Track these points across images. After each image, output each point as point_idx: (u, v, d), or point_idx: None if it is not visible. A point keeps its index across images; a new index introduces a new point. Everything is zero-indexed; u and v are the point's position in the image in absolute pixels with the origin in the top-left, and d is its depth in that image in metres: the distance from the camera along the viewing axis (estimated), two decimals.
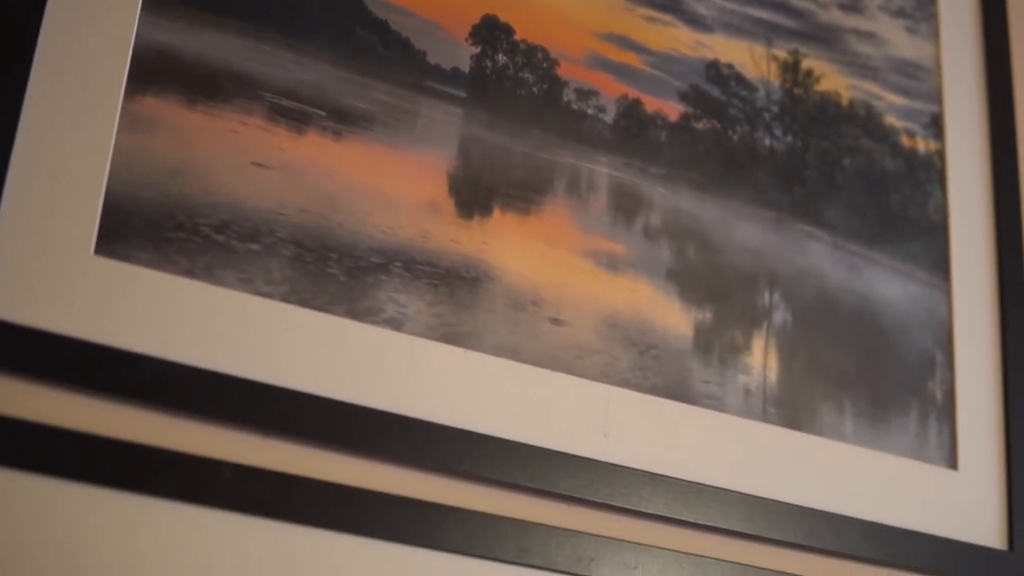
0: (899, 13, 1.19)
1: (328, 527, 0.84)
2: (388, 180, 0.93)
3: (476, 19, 0.99)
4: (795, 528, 1.00)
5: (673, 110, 1.05)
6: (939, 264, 1.14)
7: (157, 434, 0.82)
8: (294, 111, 0.91)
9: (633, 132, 1.03)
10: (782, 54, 1.12)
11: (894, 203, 1.14)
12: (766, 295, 1.05)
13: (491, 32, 0.99)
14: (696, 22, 1.08)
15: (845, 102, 1.14)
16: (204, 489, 0.82)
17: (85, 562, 0.78)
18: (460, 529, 0.88)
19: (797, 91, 1.12)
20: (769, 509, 0.99)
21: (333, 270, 0.89)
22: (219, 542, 0.81)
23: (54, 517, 0.78)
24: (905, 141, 1.16)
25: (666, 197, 1.03)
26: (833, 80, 1.14)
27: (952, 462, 1.10)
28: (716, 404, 1.00)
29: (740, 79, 1.09)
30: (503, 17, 1.00)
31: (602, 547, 0.92)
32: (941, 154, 1.18)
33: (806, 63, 1.13)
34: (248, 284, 0.86)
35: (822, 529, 1.01)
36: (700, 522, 0.96)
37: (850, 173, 1.12)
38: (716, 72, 1.08)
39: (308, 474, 0.85)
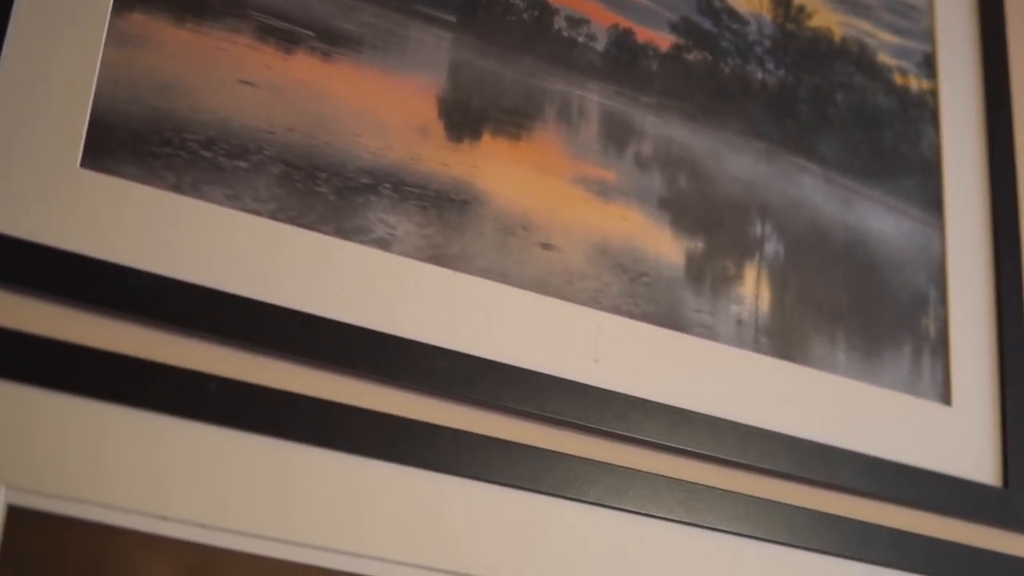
0: None
1: (314, 443, 0.84)
2: (377, 102, 0.92)
3: None
4: (786, 458, 0.99)
5: (664, 41, 1.04)
6: (932, 201, 1.13)
7: (142, 346, 0.81)
8: (283, 31, 0.90)
9: (624, 61, 1.02)
10: None
11: (887, 140, 1.13)
12: (758, 226, 1.04)
13: None
14: None
15: (837, 39, 1.13)
16: (190, 402, 0.81)
17: (66, 471, 0.77)
18: (447, 448, 0.87)
19: (789, 26, 1.11)
20: (761, 438, 0.98)
21: (322, 189, 0.88)
22: (203, 455, 0.80)
23: (36, 426, 0.77)
24: (898, 79, 1.16)
25: (657, 126, 1.02)
26: (825, 16, 1.13)
27: (946, 398, 1.09)
28: (707, 333, 0.99)
29: (732, 12, 1.08)
30: None
31: (592, 471, 0.91)
32: (934, 93, 1.17)
33: None
34: (235, 201, 0.85)
35: (814, 460, 1.00)
36: (691, 449, 0.95)
37: (842, 108, 1.12)
38: (707, 5, 1.07)
39: (295, 390, 0.84)
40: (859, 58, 1.14)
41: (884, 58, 1.15)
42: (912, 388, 1.07)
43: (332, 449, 0.84)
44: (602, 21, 1.02)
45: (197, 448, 0.80)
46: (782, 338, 1.03)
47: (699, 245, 1.01)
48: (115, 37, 0.85)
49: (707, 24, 1.07)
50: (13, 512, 0.76)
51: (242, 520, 0.81)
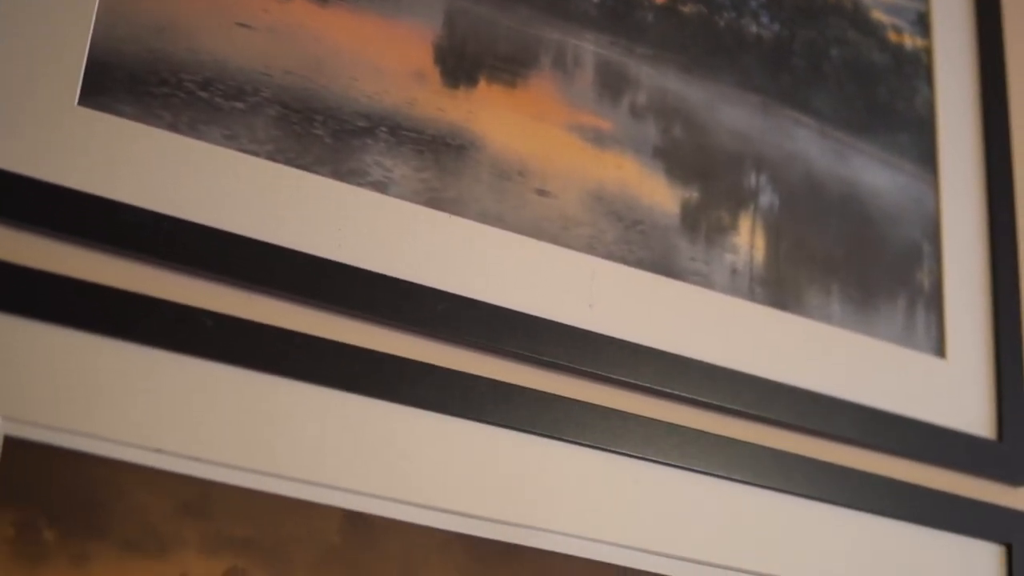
0: None
1: (309, 380, 0.83)
2: (374, 47, 0.92)
3: None
4: (781, 406, 0.98)
5: None
6: (926, 157, 1.13)
7: (138, 281, 0.81)
8: None
9: (619, 12, 1.02)
10: None
11: (881, 95, 1.13)
12: (753, 177, 1.04)
13: None
14: None
15: None
16: (186, 337, 0.81)
17: (62, 403, 0.77)
18: (441, 387, 0.87)
19: None
20: (755, 386, 0.98)
21: (318, 131, 0.88)
22: (198, 390, 0.80)
23: (33, 359, 0.77)
24: (892, 36, 1.15)
25: (652, 77, 1.02)
26: None
27: (940, 351, 1.08)
28: (702, 281, 0.99)
29: None
30: None
31: (587, 413, 0.91)
32: (928, 51, 1.17)
33: None
34: (232, 141, 0.85)
35: (808, 409, 1.00)
36: (686, 395, 0.95)
37: (837, 64, 1.11)
38: None
39: (290, 327, 0.84)
40: (853, 15, 1.14)
41: (878, 15, 1.15)
42: (907, 341, 1.07)
43: (326, 386, 0.84)
44: None
45: (192, 383, 0.80)
46: (777, 288, 1.02)
47: (694, 195, 1.01)
48: None
49: None
50: (9, 443, 0.75)
51: (236, 454, 0.80)
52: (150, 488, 0.78)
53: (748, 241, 1.02)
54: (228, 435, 0.80)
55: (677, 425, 0.94)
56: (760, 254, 1.02)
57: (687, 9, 1.05)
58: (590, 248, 0.95)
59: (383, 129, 0.90)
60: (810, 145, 1.07)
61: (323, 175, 0.87)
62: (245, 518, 0.80)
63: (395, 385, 0.85)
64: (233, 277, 0.83)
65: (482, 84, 0.95)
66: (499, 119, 0.94)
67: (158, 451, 0.78)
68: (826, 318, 1.04)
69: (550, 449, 0.89)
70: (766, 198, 1.04)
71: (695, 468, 0.94)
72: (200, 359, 0.81)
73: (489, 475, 0.87)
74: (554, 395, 0.90)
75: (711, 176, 1.02)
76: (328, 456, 0.83)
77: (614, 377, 0.93)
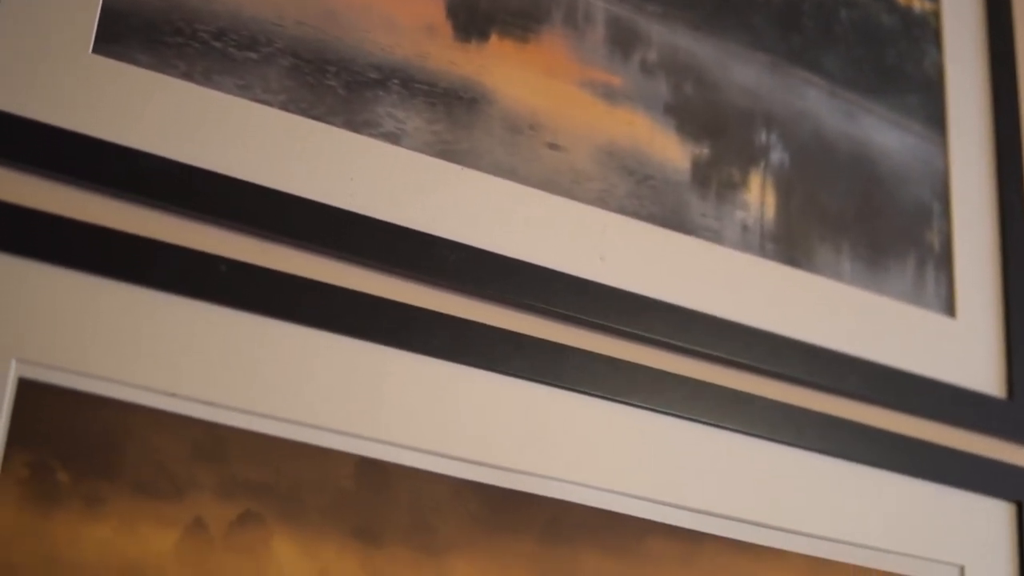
0: None
1: (321, 327, 0.83)
2: (386, 1, 0.91)
3: None
4: (792, 361, 0.98)
5: None
6: (935, 119, 1.12)
7: (154, 228, 0.80)
8: None
9: None
10: None
11: (890, 57, 1.12)
12: (763, 134, 1.03)
13: None
14: None
15: None
16: (200, 282, 0.80)
17: (77, 347, 0.76)
18: (453, 336, 0.86)
19: None
20: (766, 341, 0.97)
21: (331, 82, 0.87)
22: (212, 335, 0.80)
23: (48, 303, 0.76)
24: (900, 0, 1.15)
25: (663, 34, 1.01)
26: None
27: (950, 310, 1.08)
28: (713, 236, 0.98)
29: None
30: None
31: (598, 364, 0.90)
32: (936, 14, 1.16)
33: None
34: (246, 91, 0.84)
35: (819, 365, 0.99)
36: (696, 348, 0.94)
37: (846, 25, 1.10)
38: None
39: (303, 274, 0.83)
40: None
41: None
42: (917, 299, 1.06)
43: (339, 333, 0.83)
44: None
45: (206, 328, 0.80)
46: (787, 245, 1.01)
47: (704, 151, 1.00)
48: None
49: None
50: (24, 385, 0.75)
51: (250, 399, 0.80)
52: (164, 431, 0.78)
53: (759, 198, 1.02)
54: (241, 380, 0.80)
55: (687, 377, 0.93)
56: (771, 211, 1.02)
57: None
58: (601, 202, 0.94)
59: (395, 81, 0.89)
60: (820, 105, 1.07)
61: (336, 125, 0.86)
62: (259, 463, 0.80)
63: (407, 333, 0.85)
64: (246, 225, 0.82)
65: (494, 39, 0.94)
66: (510, 74, 0.94)
67: (172, 395, 0.78)
68: (836, 275, 1.03)
69: (561, 399, 0.89)
70: (776, 156, 1.03)
71: (704, 420, 0.93)
72: (214, 304, 0.80)
73: (501, 424, 0.86)
74: (565, 345, 0.89)
75: (721, 133, 1.01)
76: (341, 403, 0.82)
77: (625, 329, 0.92)
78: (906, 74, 1.12)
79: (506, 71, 0.94)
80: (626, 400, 0.90)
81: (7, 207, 0.76)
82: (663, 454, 0.91)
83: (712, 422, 0.93)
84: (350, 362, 0.83)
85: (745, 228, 1.00)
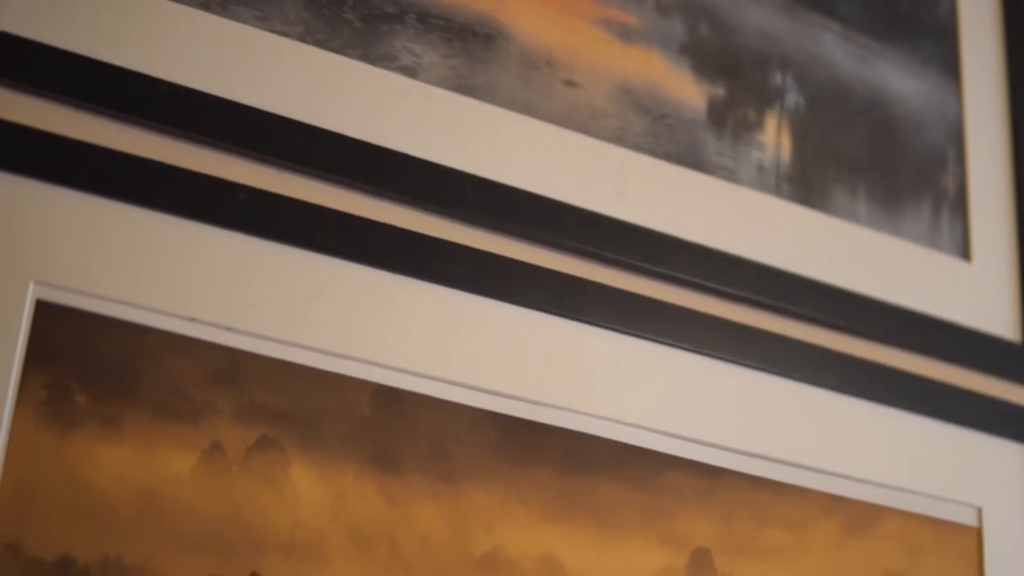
0: None
1: (339, 255, 0.82)
2: None
3: None
4: (810, 301, 0.97)
5: None
6: (949, 65, 1.11)
7: (173, 154, 0.79)
8: None
9: None
10: None
11: (904, 3, 1.11)
12: (778, 77, 1.02)
13: None
14: None
15: None
16: (219, 209, 0.79)
17: (95, 270, 0.75)
18: (471, 267, 0.85)
19: None
20: (784, 280, 0.96)
21: (348, 15, 0.86)
22: (231, 261, 0.78)
23: (67, 226, 0.75)
24: None
25: None
26: None
27: (965, 253, 1.06)
28: (729, 176, 0.97)
29: None
30: None
31: (618, 298, 0.89)
32: None
33: None
34: (264, 22, 0.83)
35: (837, 305, 0.98)
36: (715, 286, 0.93)
37: None
38: None
39: (321, 203, 0.82)
40: None
41: None
42: (932, 243, 1.05)
43: (357, 262, 0.82)
44: None
45: (225, 254, 0.78)
46: (803, 186, 1.00)
47: (720, 92, 0.99)
48: None
49: None
50: (42, 307, 0.74)
51: (267, 325, 0.79)
52: (183, 356, 0.77)
53: (774, 139, 1.00)
54: (260, 306, 0.79)
55: (706, 314, 0.92)
56: (786, 152, 1.00)
57: None
58: (618, 139, 0.93)
59: (411, 15, 0.88)
60: (835, 49, 1.05)
61: (353, 58, 0.85)
62: (277, 389, 0.78)
63: (426, 263, 0.84)
64: (265, 154, 0.81)
65: None
66: (526, 10, 0.93)
67: (191, 320, 0.77)
68: (852, 217, 1.02)
69: (580, 332, 0.88)
70: (792, 98, 1.02)
71: (723, 356, 0.92)
72: (233, 231, 0.79)
73: (519, 355, 0.85)
74: (584, 279, 0.88)
75: (737, 74, 1.00)
76: (359, 331, 0.81)
77: (642, 265, 0.91)
78: (920, 20, 1.11)
79: (522, 8, 0.92)
80: (645, 335, 0.89)
81: (29, 132, 0.75)
82: (682, 389, 0.90)
83: (730, 358, 0.92)
84: (367, 290, 0.82)
85: (761, 168, 0.99)
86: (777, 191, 0.99)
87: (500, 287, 0.85)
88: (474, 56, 0.90)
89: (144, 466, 0.74)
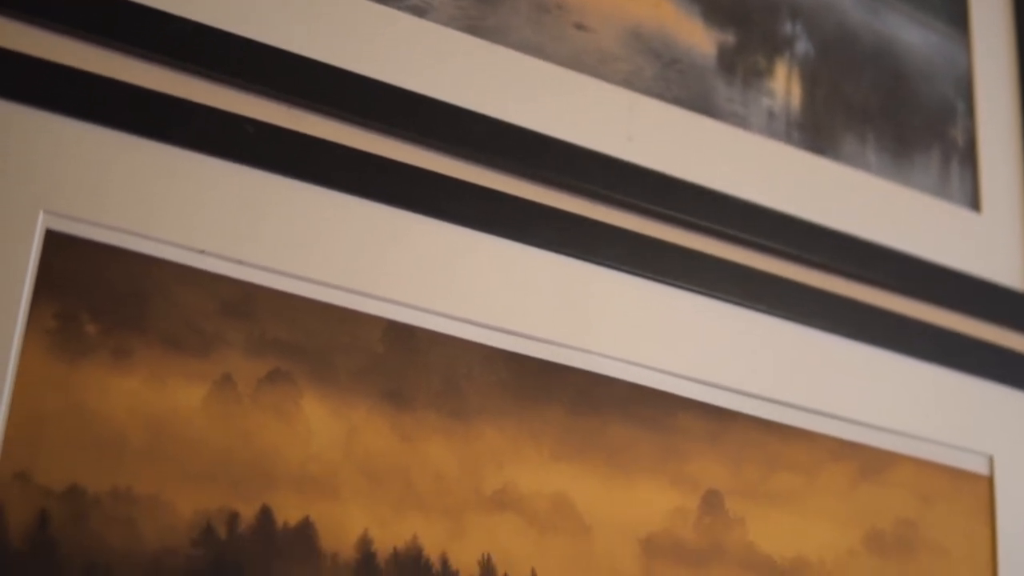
0: None
1: (348, 191, 0.80)
2: None
3: None
4: (820, 248, 0.96)
5: None
6: (958, 18, 1.10)
7: (182, 88, 0.77)
8: None
9: None
10: None
11: None
12: (788, 24, 1.01)
13: None
14: None
15: None
16: (227, 142, 0.77)
17: (105, 201, 0.74)
18: (478, 205, 0.84)
19: None
20: (792, 226, 0.95)
21: None
22: (240, 194, 0.77)
23: (77, 157, 0.73)
24: None
25: None
26: None
27: (975, 204, 1.05)
28: (739, 122, 0.96)
29: None
30: None
31: (626, 239, 0.88)
32: None
33: None
34: None
35: (848, 252, 0.97)
36: (725, 230, 0.92)
37: None
38: None
39: (330, 138, 0.80)
40: None
41: None
42: (942, 193, 1.04)
43: (368, 199, 0.80)
44: None
45: (233, 187, 0.77)
46: (814, 133, 0.99)
47: (730, 38, 0.98)
48: None
49: None
50: (51, 237, 0.72)
51: (277, 259, 0.77)
52: (193, 288, 0.75)
53: (784, 86, 0.99)
54: (269, 240, 0.77)
55: (717, 257, 0.91)
56: (796, 100, 0.99)
57: None
58: (628, 83, 0.92)
59: None
60: None
61: None
62: (289, 323, 0.77)
63: (438, 201, 0.82)
64: (273, 89, 0.79)
65: None
66: None
67: (200, 251, 0.75)
68: (862, 166, 1.01)
69: (591, 273, 0.86)
70: (801, 45, 1.01)
71: (734, 300, 0.91)
72: (241, 165, 0.78)
73: (530, 294, 0.84)
74: (595, 220, 0.87)
75: (747, 21, 0.99)
76: (370, 267, 0.79)
77: (652, 208, 0.89)
78: None
79: None
80: (656, 276, 0.88)
81: (40, 63, 0.74)
82: (692, 331, 0.89)
83: (742, 302, 0.91)
84: (378, 227, 0.80)
85: (771, 115, 0.97)
86: (787, 138, 0.97)
87: (511, 226, 0.84)
88: None
89: (154, 397, 0.72)
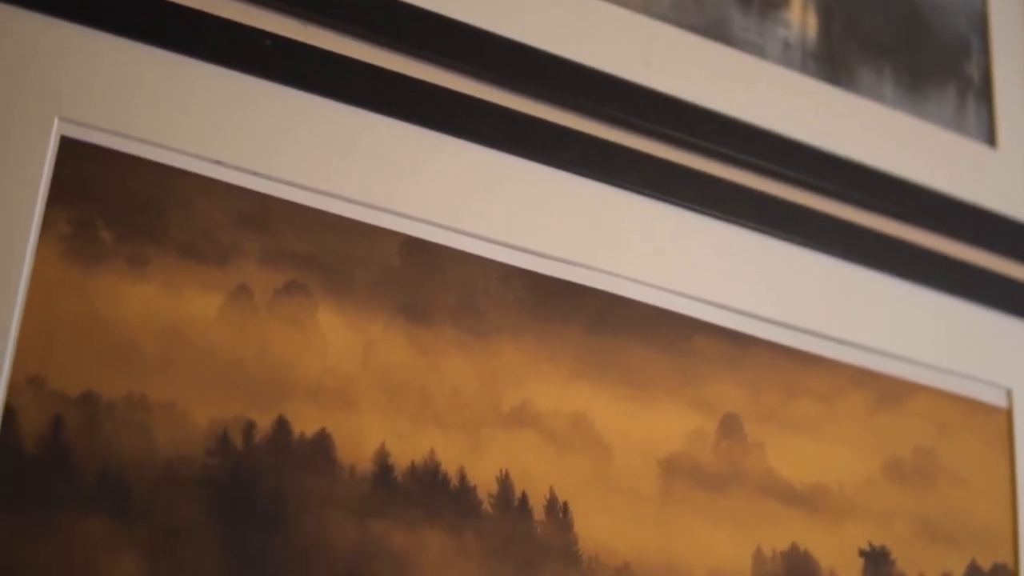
0: None
1: (366, 107, 0.78)
2: None
3: None
4: (836, 177, 0.93)
5: None
6: None
7: (200, 0, 0.75)
8: None
9: None
10: None
11: None
12: None
13: None
14: None
15: None
16: (245, 55, 0.75)
17: (121, 110, 0.71)
18: (502, 126, 0.82)
19: None
20: (811, 156, 0.92)
21: None
22: (257, 108, 0.75)
23: (93, 66, 0.71)
24: None
25: None
26: None
27: (991, 140, 1.03)
28: (755, 51, 0.93)
29: None
30: None
31: (645, 163, 0.86)
32: None
33: None
34: None
35: (863, 183, 0.94)
36: (742, 157, 0.89)
37: None
38: None
39: (347, 54, 0.78)
40: None
41: None
42: (958, 128, 1.02)
43: (387, 115, 0.78)
44: None
45: (251, 100, 0.75)
46: (829, 64, 0.97)
47: None
48: None
49: None
50: (66, 144, 0.70)
51: (294, 172, 0.75)
52: (209, 198, 0.73)
53: (800, 17, 0.97)
54: (287, 153, 0.75)
55: (734, 183, 0.89)
56: (812, 31, 0.97)
57: None
58: (644, 10, 0.89)
59: None
60: None
61: None
62: (306, 235, 0.75)
63: (456, 120, 0.80)
64: (292, 5, 0.77)
65: None
66: None
67: (217, 162, 0.73)
68: (878, 98, 0.98)
69: (608, 194, 0.84)
70: None
71: (750, 225, 0.89)
72: (258, 78, 0.75)
73: (548, 214, 0.82)
74: (613, 143, 0.85)
75: None
76: (388, 182, 0.77)
77: (669, 133, 0.87)
78: None
79: None
80: (675, 200, 0.86)
81: None
82: (710, 256, 0.87)
83: (760, 228, 0.89)
84: (397, 143, 0.78)
85: (787, 45, 0.95)
86: (803, 68, 0.95)
87: (531, 147, 0.82)
88: None
89: (169, 305, 0.70)
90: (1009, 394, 0.97)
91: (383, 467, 0.73)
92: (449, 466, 0.75)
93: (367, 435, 0.73)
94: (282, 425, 0.71)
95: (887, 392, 0.92)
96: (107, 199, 0.70)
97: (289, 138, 0.75)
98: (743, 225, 0.88)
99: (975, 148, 1.01)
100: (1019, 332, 0.98)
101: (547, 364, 0.80)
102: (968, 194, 0.99)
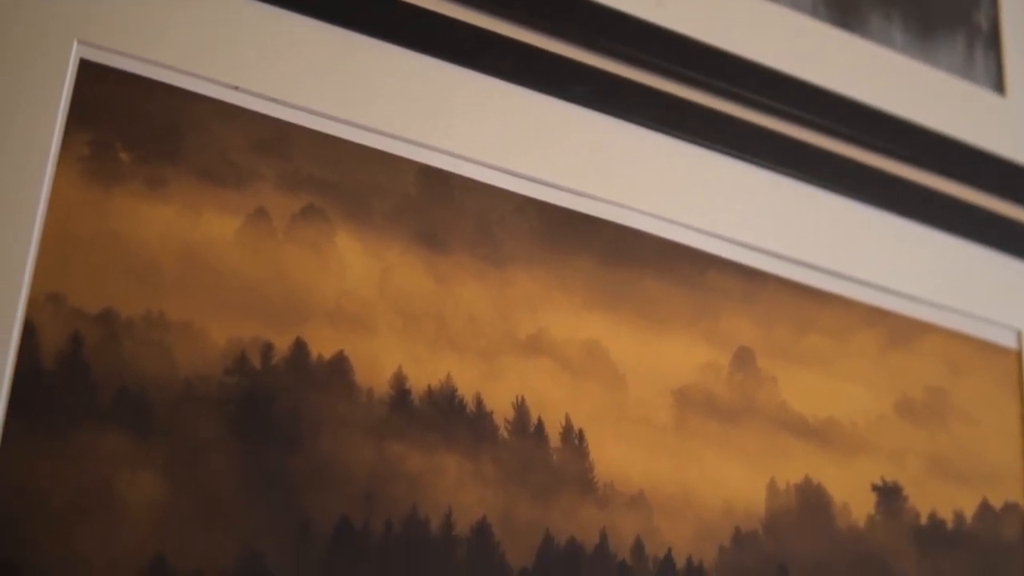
0: None
1: (384, 38, 0.77)
2: None
3: None
4: (848, 120, 0.92)
5: None
6: None
7: None
8: None
9: None
10: None
11: None
12: None
13: None
14: None
15: None
16: None
17: (139, 35, 0.70)
18: (518, 60, 0.81)
19: None
20: (818, 96, 0.91)
21: None
22: (275, 35, 0.74)
23: None
24: None
25: None
26: None
27: (1000, 88, 1.01)
28: None
29: None
30: None
31: (658, 99, 0.85)
32: None
33: None
34: None
35: (874, 125, 0.93)
36: (757, 98, 0.88)
37: None
38: None
39: None
40: None
41: None
42: (967, 75, 1.00)
43: (405, 47, 0.77)
44: None
45: (269, 28, 0.74)
46: (839, 10, 0.95)
47: None
48: None
49: None
50: (85, 66, 0.69)
51: (313, 99, 0.74)
52: (228, 123, 0.72)
53: None
54: (306, 81, 0.74)
55: (747, 121, 0.88)
56: None
57: None
58: None
59: None
60: None
61: None
62: (323, 161, 0.74)
63: (472, 53, 0.79)
64: None
65: None
66: None
67: (235, 87, 0.72)
68: (888, 43, 0.97)
69: (621, 129, 0.83)
70: None
71: (762, 163, 0.87)
72: (276, 7, 0.74)
73: (563, 146, 0.81)
74: (627, 79, 0.84)
75: None
76: (405, 112, 0.76)
77: (680, 71, 0.86)
78: None
79: None
80: (688, 137, 0.85)
81: None
82: (722, 192, 0.86)
83: (772, 167, 0.88)
84: (415, 74, 0.77)
85: None
86: (813, 12, 0.94)
87: (546, 81, 0.81)
88: None
89: (187, 226, 0.69)
90: (1019, 335, 0.96)
91: (400, 391, 0.72)
92: (466, 391, 0.74)
93: (384, 359, 0.72)
94: (300, 347, 0.70)
95: (898, 331, 0.91)
96: (125, 122, 0.69)
97: (307, 66, 0.74)
98: (756, 164, 0.87)
99: (984, 95, 1.00)
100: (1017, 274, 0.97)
101: (560, 294, 0.79)
102: (977, 140, 0.98)
